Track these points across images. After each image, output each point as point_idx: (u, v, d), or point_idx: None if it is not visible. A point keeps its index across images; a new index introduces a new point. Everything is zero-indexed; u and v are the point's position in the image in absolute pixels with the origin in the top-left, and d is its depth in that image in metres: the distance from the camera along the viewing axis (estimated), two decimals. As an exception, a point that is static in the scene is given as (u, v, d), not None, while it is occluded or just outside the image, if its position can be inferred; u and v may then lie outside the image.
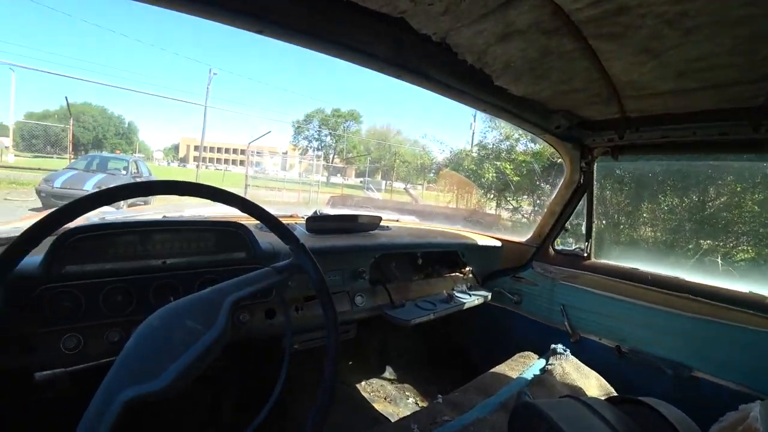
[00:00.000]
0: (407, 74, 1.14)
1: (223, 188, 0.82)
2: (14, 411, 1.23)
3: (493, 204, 11.58)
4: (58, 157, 23.81)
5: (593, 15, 0.83)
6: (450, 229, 2.35)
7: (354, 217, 1.81)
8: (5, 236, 1.21)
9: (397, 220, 2.38)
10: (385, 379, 2.28)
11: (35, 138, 36.32)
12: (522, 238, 2.18)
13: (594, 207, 1.86)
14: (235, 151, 72.07)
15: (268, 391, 1.00)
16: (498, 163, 11.34)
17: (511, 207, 10.86)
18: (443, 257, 2.04)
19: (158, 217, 1.54)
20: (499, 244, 2.18)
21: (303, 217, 1.80)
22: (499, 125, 12.50)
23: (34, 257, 1.03)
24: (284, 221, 1.78)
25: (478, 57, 1.09)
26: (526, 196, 10.86)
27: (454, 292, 1.92)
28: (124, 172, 10.51)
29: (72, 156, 15.67)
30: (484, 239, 2.16)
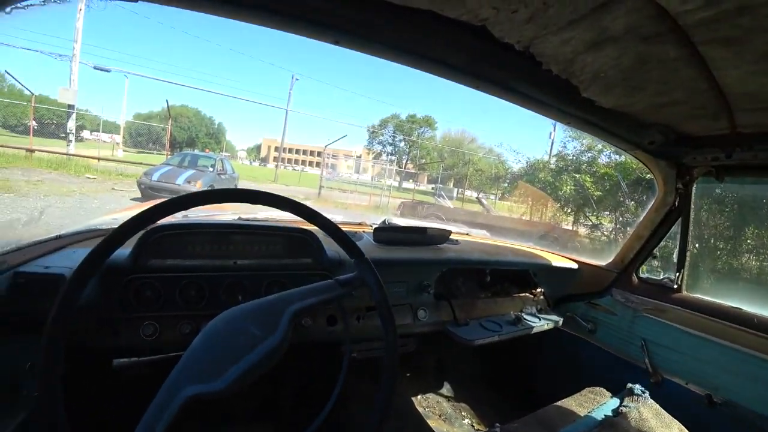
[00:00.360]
0: (486, 85, 1.08)
1: (298, 201, 0.87)
2: (93, 390, 1.33)
3: (570, 219, 10.92)
4: (157, 153, 26.37)
5: (706, 17, 0.72)
6: (522, 246, 2.22)
7: (423, 230, 1.76)
8: (105, 227, 1.34)
9: (467, 234, 2.30)
10: (441, 395, 2.20)
11: (140, 136, 40.70)
12: (601, 261, 2.00)
13: (689, 233, 1.64)
14: (312, 153, 75.06)
15: (325, 393, 1.02)
16: (577, 175, 10.70)
17: (590, 223, 10.16)
18: (513, 276, 1.93)
19: (233, 217, 1.63)
20: (575, 266, 2.02)
21: (371, 226, 1.80)
22: (582, 135, 11.81)
23: (124, 250, 1.12)
24: (352, 229, 1.82)
25: (565, 67, 1.00)
26: (607, 213, 10.10)
27: (523, 314, 1.81)
28: (210, 169, 11.35)
29: (168, 153, 17.18)
30: (558, 260, 2.01)
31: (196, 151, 19.18)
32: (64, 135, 16.43)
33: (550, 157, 15.51)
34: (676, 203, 1.63)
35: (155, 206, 0.73)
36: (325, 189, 17.96)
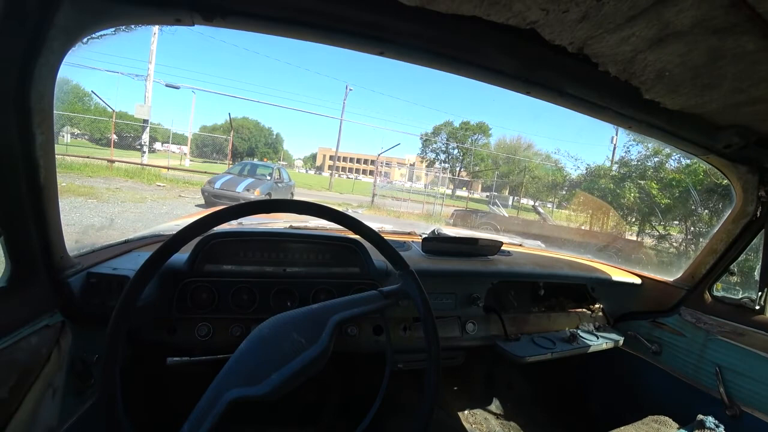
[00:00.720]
0: (538, 90, 1.03)
1: (346, 212, 0.89)
2: (149, 384, 1.40)
3: (634, 229, 10.23)
4: (220, 163, 28.03)
5: (791, 4, 0.63)
6: (579, 258, 2.08)
7: (473, 241, 1.71)
8: (167, 233, 1.43)
9: (520, 245, 2.20)
10: (490, 412, 2.11)
11: (206, 146, 43.55)
12: (668, 276, 1.83)
13: (775, 247, 1.46)
14: (365, 161, 76.04)
15: (369, 403, 1.02)
16: (642, 182, 10.03)
17: (656, 234, 9.45)
18: (569, 290, 1.82)
19: (285, 225, 1.69)
20: (638, 281, 1.86)
21: (421, 236, 1.77)
22: (647, 138, 11.06)
23: (182, 255, 1.23)
24: (401, 238, 1.81)
25: (624, 67, 0.92)
26: (676, 222, 9.35)
27: (579, 331, 1.70)
28: (268, 178, 11.88)
29: (230, 162, 18.11)
30: (619, 274, 1.87)
31: (255, 161, 20.13)
32: (139, 147, 17.89)
33: (612, 163, 14.65)
34: (758, 213, 1.44)
35: (207, 216, 0.77)
36: (378, 197, 18.11)
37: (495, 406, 2.15)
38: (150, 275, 0.72)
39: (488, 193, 31.15)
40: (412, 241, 1.75)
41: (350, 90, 27.38)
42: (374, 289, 0.94)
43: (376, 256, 1.36)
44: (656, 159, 10.29)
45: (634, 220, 10.23)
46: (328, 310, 0.83)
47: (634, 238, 9.78)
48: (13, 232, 0.82)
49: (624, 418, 1.32)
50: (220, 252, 1.29)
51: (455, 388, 2.14)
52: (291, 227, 1.68)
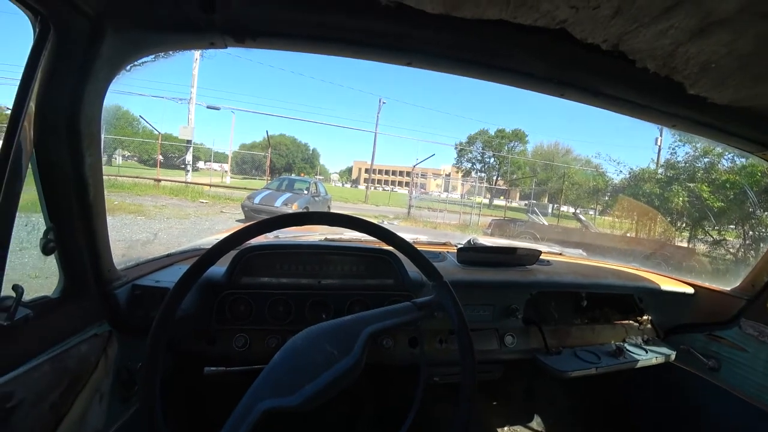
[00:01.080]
0: (572, 92, 0.99)
1: (379, 224, 0.89)
2: (188, 393, 1.44)
3: (684, 235, 9.67)
4: (259, 179, 28.92)
5: None
6: (624, 267, 1.96)
7: (510, 250, 1.66)
8: (206, 247, 1.47)
9: (560, 254, 2.11)
10: (530, 429, 2.02)
11: (245, 163, 45.19)
12: (724, 284, 1.69)
13: None
14: (401, 173, 76.23)
15: (404, 415, 1.00)
16: (692, 184, 9.51)
17: (710, 240, 8.90)
18: (614, 301, 1.72)
19: (320, 238, 1.70)
20: (690, 290, 1.73)
21: (456, 246, 1.74)
22: (695, 138, 10.47)
23: (221, 268, 1.27)
24: (436, 249, 1.78)
25: (664, 62, 0.86)
26: (732, 227, 8.77)
27: (626, 344, 1.60)
28: (305, 192, 12.16)
29: (268, 178, 18.66)
30: (669, 283, 1.74)
31: (293, 176, 20.68)
32: (183, 166, 18.78)
33: (657, 166, 13.96)
34: None
35: (240, 231, 0.80)
36: (414, 208, 18.09)
37: (536, 422, 2.05)
38: (187, 287, 0.75)
39: (526, 202, 30.44)
40: (447, 252, 1.72)
41: (384, 103, 27.70)
42: (408, 301, 0.93)
43: (411, 268, 1.35)
44: (706, 159, 9.77)
45: (683, 225, 9.71)
46: (361, 321, 0.83)
47: (684, 244, 9.24)
48: (66, 248, 0.88)
49: None
50: (257, 265, 1.32)
51: (494, 402, 2.06)
52: (326, 239, 1.70)
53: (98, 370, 0.93)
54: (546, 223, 11.76)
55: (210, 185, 17.66)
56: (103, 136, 0.86)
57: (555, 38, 0.79)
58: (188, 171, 17.89)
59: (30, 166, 0.74)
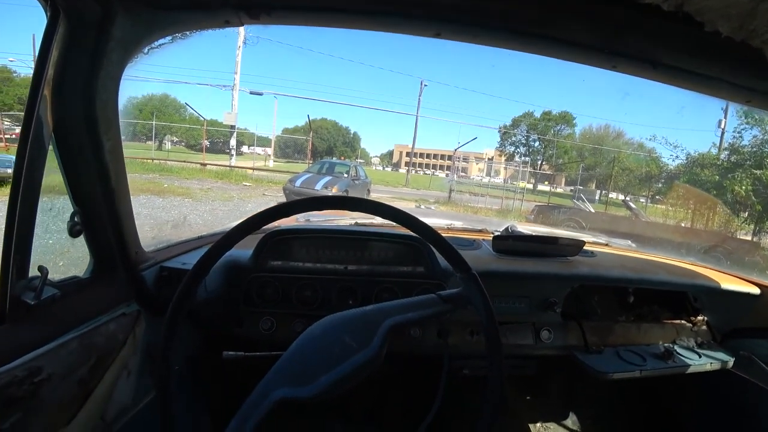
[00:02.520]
0: (625, 63, 0.84)
1: (402, 210, 0.83)
2: (206, 376, 1.46)
3: (748, 227, 8.98)
4: (301, 162, 29.48)
5: None
6: (679, 261, 1.78)
7: (550, 240, 1.56)
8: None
9: (606, 245, 1.97)
10: (565, 427, 1.92)
11: (288, 147, 46.26)
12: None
13: None
14: (442, 156, 75.39)
15: (426, 407, 0.98)
16: (758, 171, 8.79)
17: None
18: (665, 298, 1.58)
19: (350, 222, 1.67)
20: (756, 291, 1.53)
21: (493, 233, 1.66)
22: (764, 120, 9.61)
23: (247, 251, 1.28)
24: (471, 236, 1.70)
25: (741, 23, 0.70)
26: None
27: (676, 347, 1.47)
28: (345, 176, 12.29)
29: (310, 161, 18.97)
30: (731, 281, 1.56)
31: (334, 159, 20.91)
32: (227, 151, 19.42)
33: (720, 151, 12.94)
34: None
35: (255, 216, 0.78)
36: (455, 192, 17.88)
37: (571, 421, 1.95)
38: (205, 270, 0.75)
39: (572, 187, 29.29)
40: (483, 240, 1.64)
41: (425, 85, 27.21)
42: (439, 290, 0.88)
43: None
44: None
45: (748, 216, 9.03)
46: (383, 312, 0.79)
47: (748, 237, 8.58)
48: (93, 231, 0.90)
49: None
50: (284, 249, 1.32)
51: (528, 398, 1.99)
52: (356, 224, 1.67)
53: (126, 348, 0.96)
54: (593, 210, 11.22)
55: (253, 168, 18.24)
56: (121, 121, 0.86)
57: (605, 0, 0.69)
58: (232, 155, 18.55)
59: (53, 151, 0.75)
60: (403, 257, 1.36)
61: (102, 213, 0.89)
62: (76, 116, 0.75)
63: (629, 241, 2.17)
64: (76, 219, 0.85)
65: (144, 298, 1.04)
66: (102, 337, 0.88)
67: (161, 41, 0.83)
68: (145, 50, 0.82)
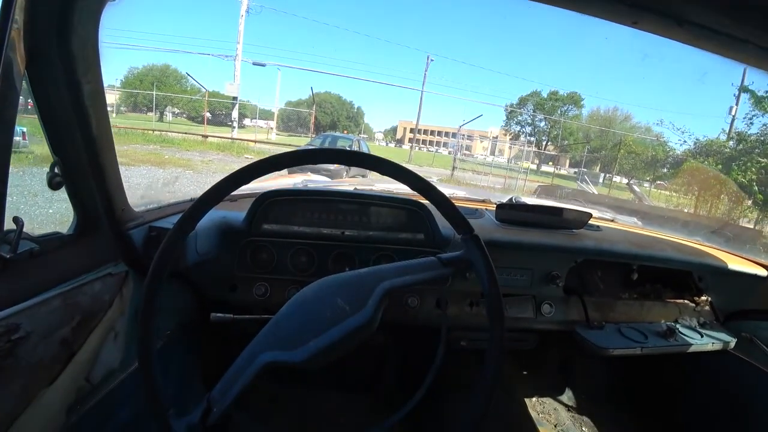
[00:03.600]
0: (648, 18, 0.75)
1: (399, 163, 0.77)
2: (195, 339, 1.44)
3: (752, 215, 8.88)
4: (304, 136, 29.25)
5: None
6: (685, 240, 1.74)
7: (556, 210, 1.51)
8: (253, 191, 1.42)
9: (612, 220, 1.92)
10: (561, 403, 1.92)
11: (291, 121, 45.81)
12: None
13: None
14: (446, 134, 74.52)
15: (422, 377, 0.95)
16: (765, 160, 8.65)
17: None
18: (669, 276, 1.54)
19: (349, 188, 1.62)
20: (764, 272, 1.49)
21: (496, 203, 1.62)
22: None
23: (240, 213, 1.25)
24: (474, 205, 1.66)
25: None
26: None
27: (678, 326, 1.44)
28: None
29: (312, 135, 18.81)
30: (739, 262, 1.52)
31: (336, 133, 20.74)
32: (229, 123, 19.23)
33: (729, 137, 12.73)
34: None
35: (247, 167, 0.71)
36: (458, 170, 17.79)
37: (567, 397, 1.95)
38: (189, 226, 0.69)
39: (576, 169, 29.08)
40: (486, 209, 1.60)
41: (432, 60, 26.65)
42: (442, 254, 0.83)
43: (444, 222, 1.28)
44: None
45: (751, 204, 8.93)
46: (378, 275, 0.75)
47: (752, 226, 8.49)
48: (74, 184, 0.86)
49: None
50: (279, 212, 1.28)
51: (524, 372, 1.98)
52: (356, 189, 1.62)
53: (113, 309, 0.93)
54: (596, 192, 11.13)
55: (255, 141, 18.08)
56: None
57: None
58: (234, 127, 18.38)
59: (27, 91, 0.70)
60: (403, 223, 1.32)
61: (83, 163, 0.84)
62: (51, 53, 0.69)
63: (635, 219, 2.12)
64: (56, 170, 0.80)
65: (132, 259, 1.01)
66: (86, 297, 0.85)
67: None
68: None
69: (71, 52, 0.71)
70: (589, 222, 1.53)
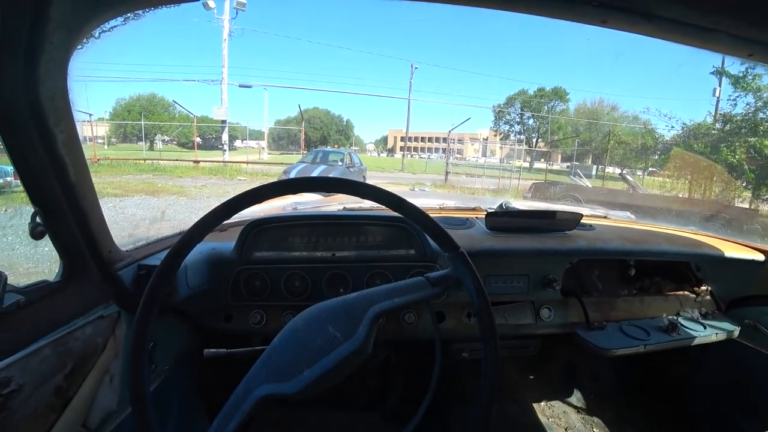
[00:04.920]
0: (616, 16, 0.74)
1: (380, 187, 0.77)
2: (192, 375, 1.42)
3: (747, 195, 8.94)
4: (295, 153, 29.29)
5: None
6: (680, 231, 1.74)
7: (546, 214, 1.51)
8: (224, 224, 1.43)
9: (605, 217, 1.92)
10: (570, 405, 1.90)
11: (281, 139, 46.02)
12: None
13: None
14: (437, 139, 74.99)
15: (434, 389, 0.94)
16: (753, 139, 8.72)
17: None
18: (667, 269, 1.54)
19: (339, 208, 1.62)
20: (760, 257, 1.49)
21: (486, 211, 1.62)
22: (757, 87, 9.53)
23: (229, 244, 1.24)
24: (465, 215, 1.65)
25: None
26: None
27: (680, 319, 1.43)
28: (340, 163, 12.29)
29: (303, 151, 18.92)
30: (735, 249, 1.52)
31: (327, 148, 20.85)
32: (220, 146, 19.29)
33: (715, 119, 12.84)
34: None
35: (216, 210, 0.72)
36: (451, 174, 17.89)
37: (576, 398, 1.93)
38: (176, 262, 0.69)
39: (569, 164, 29.20)
40: (477, 218, 1.59)
41: (416, 68, 26.87)
42: (430, 273, 0.83)
43: None
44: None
45: (745, 184, 8.99)
46: (367, 299, 0.74)
47: (747, 206, 8.55)
48: (57, 232, 0.84)
49: (736, 424, 1.08)
50: (267, 239, 1.28)
51: (530, 377, 1.96)
52: (345, 209, 1.62)
53: (106, 352, 0.92)
54: (590, 186, 11.19)
55: (247, 162, 18.13)
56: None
57: None
58: (225, 150, 18.46)
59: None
60: (394, 240, 1.32)
61: (65, 211, 0.83)
62: (20, 108, 0.69)
63: (628, 213, 2.13)
64: (37, 219, 0.79)
65: (123, 299, 0.99)
66: (78, 342, 0.84)
67: (113, 23, 0.76)
68: (96, 34, 0.75)
69: (40, 105, 0.70)
70: (582, 221, 1.52)
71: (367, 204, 1.71)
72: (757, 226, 6.54)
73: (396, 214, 1.22)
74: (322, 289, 1.27)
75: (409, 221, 1.27)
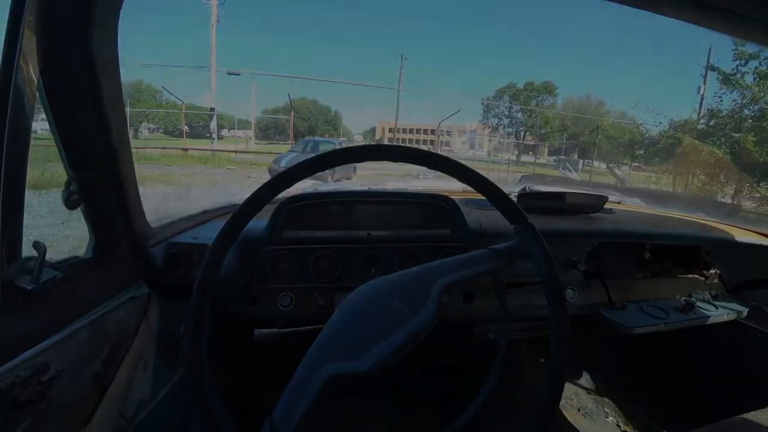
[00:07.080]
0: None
1: (445, 156, 0.74)
2: (236, 357, 1.40)
3: (729, 191, 9.14)
4: (282, 143, 29.03)
5: None
6: (690, 216, 1.78)
7: (573, 196, 1.52)
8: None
9: (619, 203, 1.93)
10: (581, 387, 1.93)
11: (269, 129, 45.53)
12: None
13: None
14: (425, 131, 74.73)
15: (453, 372, 0.92)
16: (737, 135, 8.91)
17: (758, 196, 8.40)
18: (677, 253, 1.56)
19: (363, 188, 1.58)
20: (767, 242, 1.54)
21: (509, 194, 1.62)
22: (744, 85, 9.73)
23: (261, 222, 1.17)
24: (482, 197, 1.65)
25: None
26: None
27: (694, 299, 1.47)
28: (331, 153, 12.21)
29: (292, 141, 18.77)
30: (742, 234, 1.56)
31: (318, 138, 20.66)
32: (208, 135, 19.01)
33: (699, 116, 13.07)
34: None
35: (283, 173, 0.67)
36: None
37: (586, 380, 1.97)
38: (230, 241, 0.66)
39: (555, 158, 29.45)
40: None
41: (406, 59, 26.70)
42: (465, 252, 0.81)
43: (471, 216, 1.25)
44: (756, 107, 9.14)
45: (724, 180, 9.20)
46: (433, 272, 0.72)
47: (729, 200, 8.75)
48: (93, 201, 0.80)
49: (743, 403, 1.10)
50: (300, 217, 1.21)
51: (542, 360, 1.99)
52: (370, 189, 1.57)
53: (139, 336, 0.88)
54: (578, 178, 11.34)
55: (236, 152, 17.91)
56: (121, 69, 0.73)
57: None
58: (214, 139, 18.17)
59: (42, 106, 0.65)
60: (428, 219, 1.27)
61: (105, 182, 0.78)
62: (69, 57, 0.64)
63: (638, 199, 2.16)
64: (71, 187, 0.73)
65: (154, 279, 0.96)
66: (112, 325, 0.79)
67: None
68: None
69: (91, 53, 0.66)
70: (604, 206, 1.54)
71: (391, 185, 1.68)
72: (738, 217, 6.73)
73: (432, 192, 1.19)
74: (353, 270, 1.22)
75: (444, 199, 1.25)
